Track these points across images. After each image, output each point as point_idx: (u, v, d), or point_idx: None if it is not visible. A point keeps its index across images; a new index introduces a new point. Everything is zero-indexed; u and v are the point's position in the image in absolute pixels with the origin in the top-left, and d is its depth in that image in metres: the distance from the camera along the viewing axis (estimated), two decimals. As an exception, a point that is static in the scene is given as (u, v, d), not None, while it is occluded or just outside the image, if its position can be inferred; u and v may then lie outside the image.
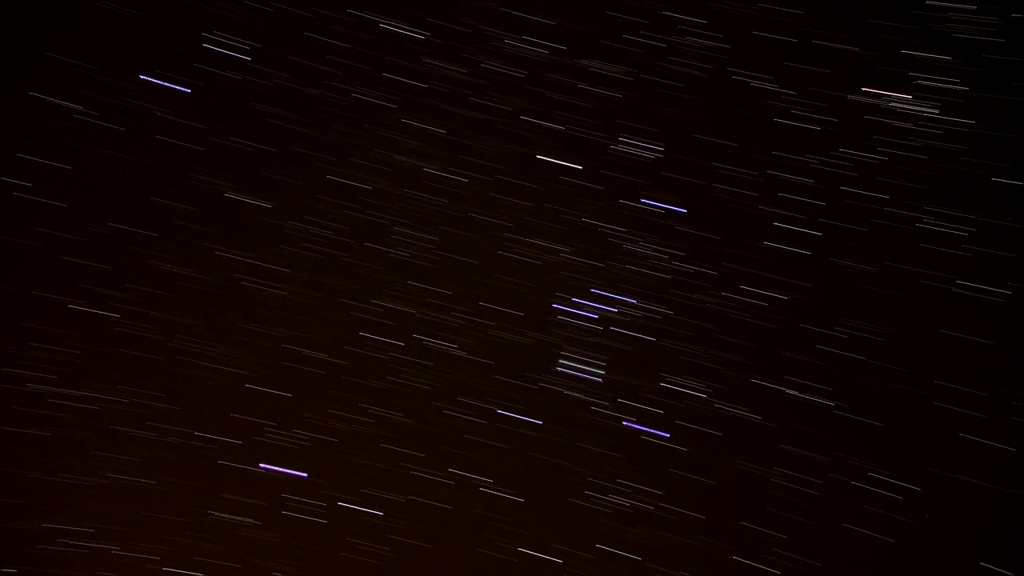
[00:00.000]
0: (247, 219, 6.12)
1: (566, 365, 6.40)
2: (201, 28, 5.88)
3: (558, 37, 6.15)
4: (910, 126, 5.98)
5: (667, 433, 6.38)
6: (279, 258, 6.20)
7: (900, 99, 5.96)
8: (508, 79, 6.19)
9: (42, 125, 5.79)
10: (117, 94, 5.83)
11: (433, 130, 6.21)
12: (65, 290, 5.95)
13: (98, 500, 6.13)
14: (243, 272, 6.17)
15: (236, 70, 5.97)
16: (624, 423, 6.39)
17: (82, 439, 6.08)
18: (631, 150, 6.22)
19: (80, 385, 6.04)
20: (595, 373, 6.39)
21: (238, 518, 6.34)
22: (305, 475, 6.38)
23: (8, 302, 5.87)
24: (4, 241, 5.82)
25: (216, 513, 6.32)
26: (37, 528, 6.07)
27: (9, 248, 5.82)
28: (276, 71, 6.01)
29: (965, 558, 6.02)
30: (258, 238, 6.16)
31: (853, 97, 6.00)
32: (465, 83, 6.18)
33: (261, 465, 6.35)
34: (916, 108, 5.95)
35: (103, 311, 6.02)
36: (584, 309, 6.34)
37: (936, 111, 5.94)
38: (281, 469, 6.37)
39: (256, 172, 6.08)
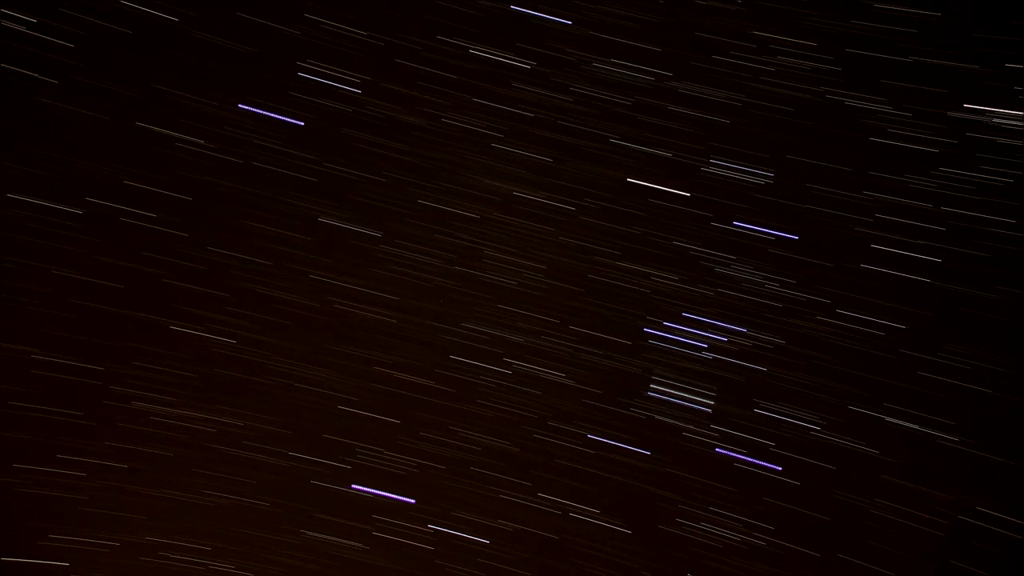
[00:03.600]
0: (340, 243, 6.24)
1: (663, 392, 6.31)
2: (296, 57, 6.05)
3: (648, 59, 6.11)
4: (1017, 143, 5.74)
5: (774, 465, 6.23)
6: (371, 282, 6.30)
7: (1005, 115, 5.71)
8: (599, 102, 6.18)
9: (151, 154, 6.03)
10: (218, 122, 6.03)
11: (523, 154, 6.23)
12: (166, 312, 6.17)
13: (195, 516, 6.31)
14: (336, 295, 6.29)
15: (329, 97, 6.11)
16: (718, 450, 6.27)
17: (182, 457, 6.27)
18: (731, 174, 6.13)
19: (181, 405, 6.24)
20: (697, 401, 6.29)
21: (331, 538, 6.43)
22: (397, 496, 6.44)
23: (113, 323, 6.12)
24: (111, 264, 6.06)
25: (309, 532, 6.42)
26: (140, 540, 6.27)
27: (112, 270, 6.07)
28: (367, 97, 6.13)
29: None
30: (350, 262, 6.27)
31: (954, 114, 5.79)
32: (555, 107, 6.19)
33: (354, 486, 6.43)
34: (1023, 125, 5.70)
35: (202, 332, 6.21)
36: (687, 336, 6.25)
37: (1045, 127, 5.70)
38: (373, 490, 6.44)
39: (348, 197, 6.21)
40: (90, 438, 6.16)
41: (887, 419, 6.07)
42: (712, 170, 6.13)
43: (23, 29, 5.73)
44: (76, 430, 6.14)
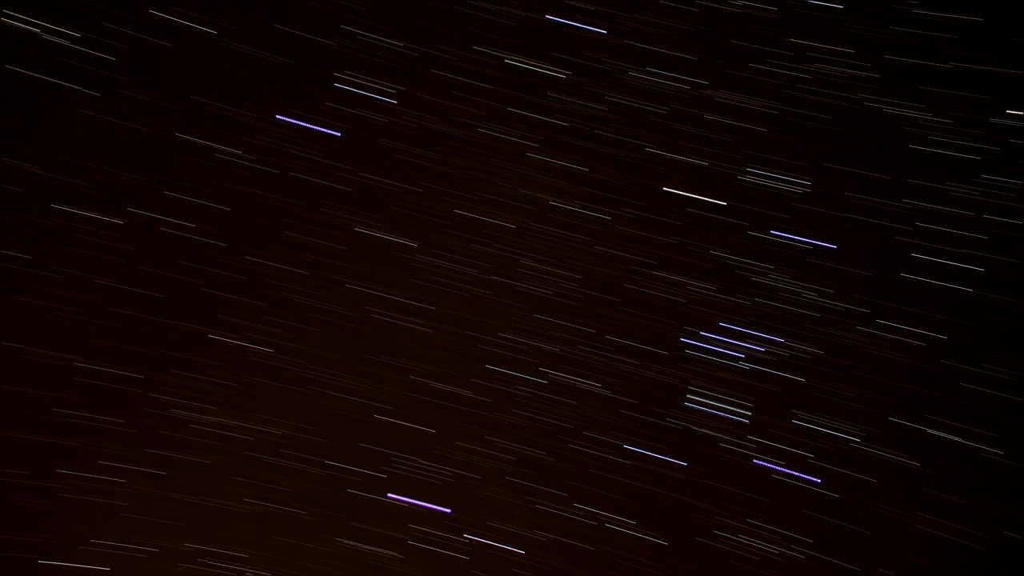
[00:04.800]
0: (376, 253, 6.28)
1: (700, 402, 6.26)
2: (333, 68, 6.10)
3: (683, 68, 6.09)
4: (1062, 150, 5.64)
5: (813, 477, 6.16)
6: (407, 291, 6.32)
7: (1049, 121, 5.62)
8: (634, 111, 6.16)
9: (190, 165, 6.12)
10: (255, 133, 6.10)
11: (559, 164, 6.23)
12: (205, 321, 6.24)
13: (232, 523, 6.36)
14: (372, 305, 6.32)
15: (366, 108, 6.16)
16: (756, 461, 6.21)
17: (220, 464, 6.33)
18: (768, 183, 6.08)
19: (219, 413, 6.30)
20: (735, 412, 6.23)
21: (367, 547, 6.45)
22: (432, 506, 6.45)
23: (153, 332, 6.20)
24: (151, 273, 6.16)
25: (345, 541, 6.45)
26: (178, 547, 6.34)
27: (152, 279, 6.15)
28: (402, 108, 6.17)
29: None
30: (387, 271, 6.31)
31: (996, 120, 5.70)
32: (590, 116, 6.19)
33: (389, 495, 6.45)
34: (1067, 131, 5.60)
35: (240, 341, 6.28)
36: (724, 346, 6.20)
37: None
38: (409, 499, 6.45)
39: (385, 207, 6.24)
40: (130, 445, 6.24)
41: (929, 431, 5.97)
42: (748, 179, 6.09)
43: (67, 43, 5.85)
44: (117, 437, 6.22)
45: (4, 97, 5.83)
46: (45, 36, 5.83)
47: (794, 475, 6.16)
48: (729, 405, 6.22)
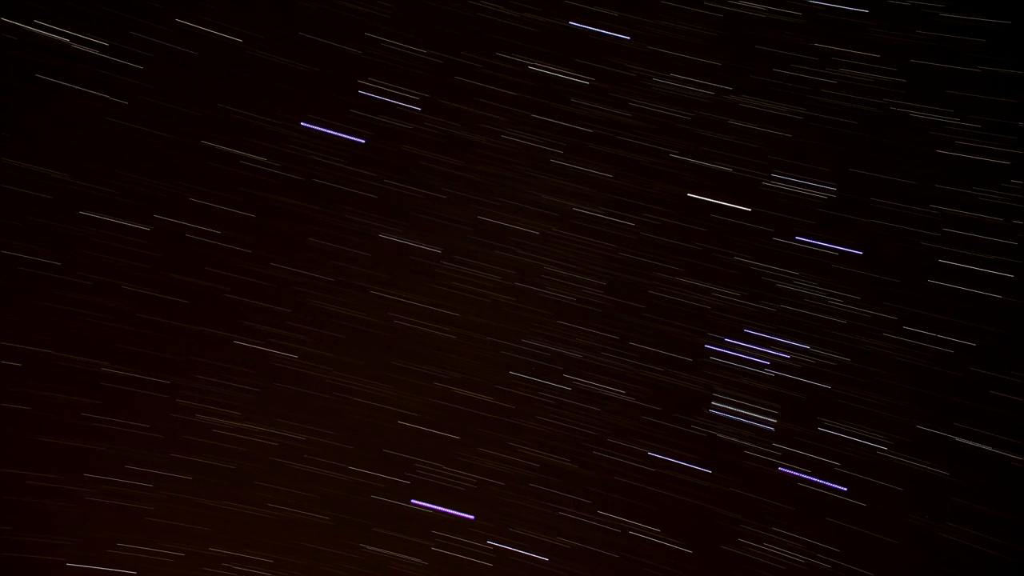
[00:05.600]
0: (400, 259, 6.30)
1: (725, 409, 6.22)
2: (357, 76, 6.13)
3: (708, 73, 6.06)
4: (1092, 154, 5.56)
5: (839, 485, 6.10)
6: (431, 297, 6.34)
7: (1078, 126, 5.55)
8: (658, 117, 6.14)
9: (215, 172, 6.16)
10: (280, 140, 6.14)
11: (583, 170, 6.23)
12: (230, 327, 6.28)
13: (257, 529, 6.39)
14: (396, 311, 6.34)
15: (390, 115, 6.19)
16: (781, 469, 6.16)
17: (244, 470, 6.36)
18: (793, 188, 6.04)
19: (244, 418, 6.34)
20: (760, 419, 6.19)
21: (391, 553, 6.46)
22: (456, 512, 6.45)
23: (179, 338, 6.25)
24: (177, 279, 6.21)
25: (369, 547, 6.46)
26: (203, 551, 6.38)
27: (178, 285, 6.21)
28: (426, 114, 6.19)
29: None
30: (411, 278, 6.32)
31: (1025, 125, 5.64)
32: (615, 122, 6.18)
33: (413, 501, 6.45)
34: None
35: (265, 347, 6.31)
36: (749, 353, 6.16)
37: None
38: (433, 506, 6.45)
39: (409, 213, 6.26)
40: (156, 450, 6.29)
41: (957, 439, 5.90)
42: (773, 184, 6.05)
43: (95, 52, 5.92)
44: (143, 441, 6.28)
45: (34, 106, 5.91)
46: (74, 45, 5.91)
47: (820, 483, 6.11)
48: (754, 412, 6.18)
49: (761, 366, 6.14)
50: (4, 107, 5.89)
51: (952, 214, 5.81)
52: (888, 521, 6.02)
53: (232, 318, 6.25)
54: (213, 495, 6.36)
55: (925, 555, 5.95)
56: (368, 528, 6.47)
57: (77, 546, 6.29)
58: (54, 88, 5.91)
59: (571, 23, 6.10)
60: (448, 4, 6.09)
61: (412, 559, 6.47)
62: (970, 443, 5.87)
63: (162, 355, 6.23)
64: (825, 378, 6.04)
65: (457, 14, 6.10)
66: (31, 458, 6.22)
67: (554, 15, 6.09)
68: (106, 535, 6.31)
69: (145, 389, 6.24)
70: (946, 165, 5.78)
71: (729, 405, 6.22)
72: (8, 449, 6.19)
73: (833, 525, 6.09)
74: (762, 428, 6.17)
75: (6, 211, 5.94)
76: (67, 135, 5.96)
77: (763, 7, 5.90)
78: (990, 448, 5.83)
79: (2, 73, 5.86)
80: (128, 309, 6.16)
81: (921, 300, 5.92)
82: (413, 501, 6.45)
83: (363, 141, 6.19)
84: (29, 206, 5.96)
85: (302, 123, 6.14)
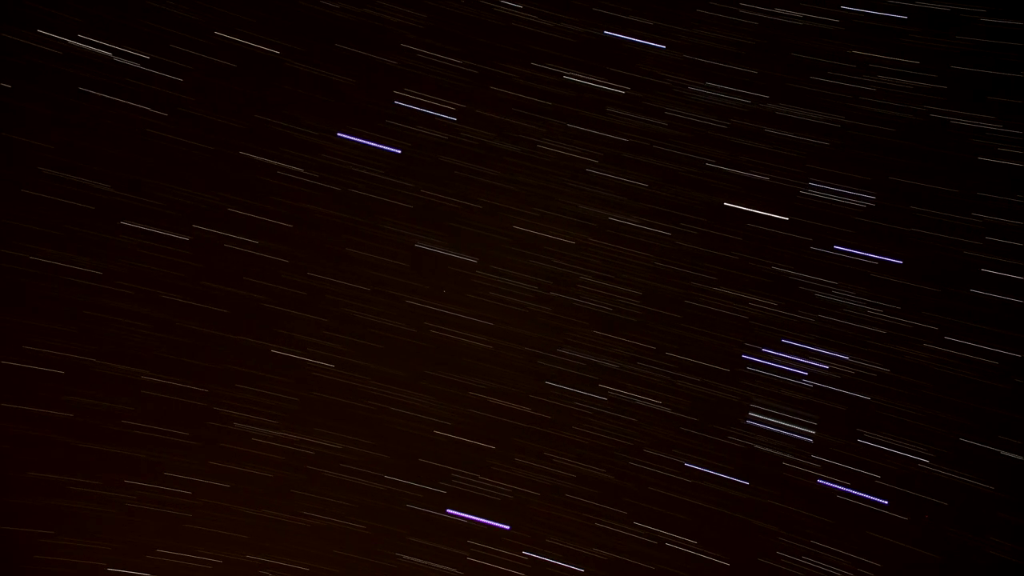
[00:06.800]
0: (436, 269, 6.32)
1: (763, 420, 6.16)
2: (393, 86, 6.18)
3: (744, 82, 6.02)
4: None
5: (880, 498, 6.00)
6: (467, 307, 6.35)
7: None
8: (694, 126, 6.11)
9: (254, 183, 6.23)
10: (318, 151, 6.20)
11: (619, 179, 6.21)
12: (268, 336, 6.34)
13: (293, 537, 6.43)
14: (432, 321, 6.36)
15: (426, 125, 6.22)
16: (820, 481, 6.07)
17: (281, 478, 6.41)
18: (831, 197, 5.97)
19: (281, 427, 6.39)
20: (799, 431, 6.11)
21: (426, 562, 6.47)
22: (491, 522, 6.44)
23: (218, 346, 6.32)
24: (216, 288, 6.28)
25: (404, 556, 6.47)
26: (240, 558, 6.44)
27: (217, 295, 6.28)
28: (462, 124, 6.21)
29: None
30: (447, 287, 6.34)
31: (1069, 131, 5.53)
32: (651, 131, 6.15)
33: (449, 511, 6.46)
34: None
35: (302, 356, 6.36)
36: (787, 363, 6.09)
37: None
38: (468, 515, 6.45)
39: (445, 223, 6.28)
40: (194, 457, 6.37)
41: (1002, 452, 5.78)
42: (811, 193, 5.99)
43: (137, 65, 6.03)
44: (182, 449, 6.36)
45: (77, 119, 6.03)
46: (116, 59, 6.02)
47: (860, 496, 6.01)
48: (792, 424, 6.11)
49: (799, 377, 6.07)
50: (48, 120, 6.01)
51: (994, 222, 5.70)
52: (930, 536, 5.91)
53: (270, 327, 6.31)
54: (250, 503, 6.42)
55: (968, 571, 5.83)
56: (403, 537, 6.48)
57: (117, 551, 6.37)
58: (96, 101, 6.02)
59: (606, 32, 6.10)
60: (483, 14, 6.11)
61: (447, 569, 6.47)
62: (1016, 456, 5.75)
63: (201, 364, 6.31)
64: (864, 389, 5.95)
65: (492, 24, 6.12)
66: (74, 464, 6.32)
67: (589, 25, 6.09)
68: (146, 541, 6.39)
69: (184, 397, 6.33)
70: (988, 172, 5.68)
71: (767, 416, 6.15)
72: (52, 455, 6.30)
73: (873, 539, 5.99)
74: (800, 439, 6.09)
75: (49, 222, 6.06)
76: (109, 147, 6.07)
77: (799, 15, 5.85)
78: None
79: (47, 87, 5.99)
80: (167, 318, 6.24)
81: (963, 310, 5.81)
82: (449, 511, 6.46)
83: (399, 151, 6.23)
84: (71, 216, 6.08)
85: (339, 134, 6.20)
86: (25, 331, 6.15)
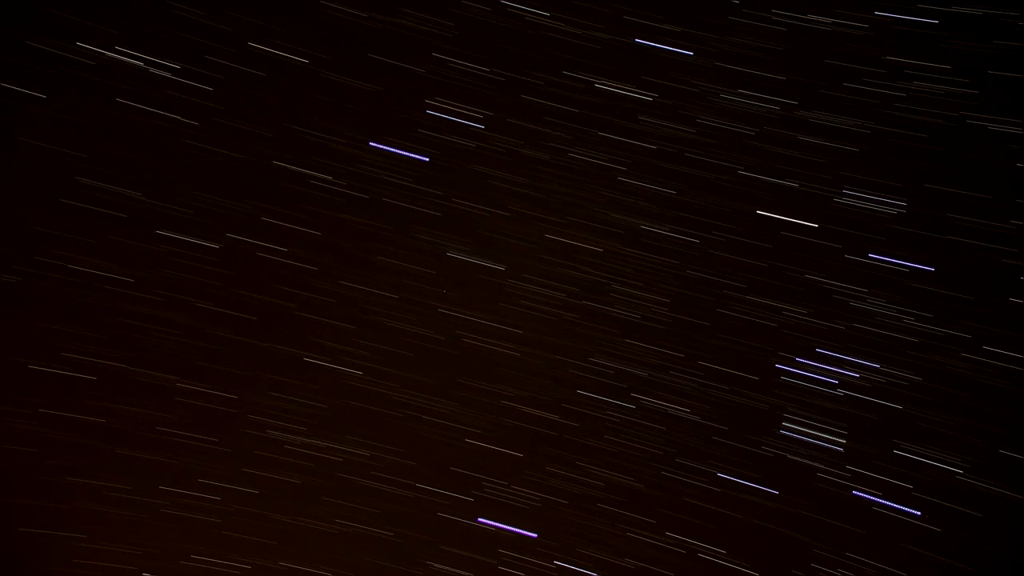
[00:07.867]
0: (467, 277, 6.33)
1: (795, 429, 6.10)
2: (423, 95, 6.20)
3: (774, 89, 5.98)
4: None
5: (914, 510, 5.92)
6: (497, 315, 6.35)
7: None
8: (725, 134, 6.07)
9: (285, 191, 6.28)
10: (348, 160, 6.23)
11: (649, 187, 6.18)
12: (299, 343, 6.38)
13: (324, 544, 6.46)
14: (463, 329, 6.36)
15: (456, 134, 6.23)
16: (854, 492, 6.00)
17: (312, 485, 6.44)
18: (864, 204, 5.90)
19: (312, 434, 6.42)
20: (831, 440, 6.05)
21: (457, 571, 6.46)
22: (522, 531, 6.42)
23: (250, 354, 6.37)
24: (248, 296, 6.33)
25: (435, 564, 6.47)
26: (272, 565, 6.47)
27: (248, 303, 6.34)
28: (492, 133, 6.21)
29: None
30: (477, 296, 6.34)
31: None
32: (682, 139, 6.12)
33: (479, 519, 6.45)
34: None
35: (333, 364, 6.40)
36: (820, 372, 6.03)
37: None
38: (499, 525, 6.44)
39: (475, 232, 6.29)
40: (226, 464, 6.41)
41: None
42: (844, 200, 5.93)
43: (169, 75, 6.10)
44: (214, 455, 6.41)
45: (112, 129, 6.11)
46: (151, 70, 6.10)
47: (894, 507, 5.93)
48: (825, 433, 6.04)
49: (832, 386, 6.00)
50: (84, 130, 6.10)
51: (1030, 229, 5.62)
52: (966, 548, 5.81)
53: (301, 335, 6.35)
54: (281, 510, 6.45)
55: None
56: (434, 545, 6.48)
57: (149, 556, 6.43)
58: (131, 111, 6.10)
59: (636, 40, 6.08)
60: (512, 23, 6.12)
61: (477, 577, 6.48)
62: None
63: (233, 371, 6.36)
64: (897, 398, 5.87)
65: (522, 32, 6.12)
66: (108, 469, 6.39)
67: (619, 32, 6.07)
68: (178, 546, 6.44)
69: (216, 404, 6.38)
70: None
71: (800, 426, 6.09)
72: (86, 460, 6.38)
73: (907, 550, 5.91)
74: (833, 449, 6.02)
75: (84, 230, 6.15)
76: (142, 156, 6.15)
77: (829, 21, 5.80)
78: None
79: (83, 98, 6.08)
80: (199, 326, 6.30)
81: (1001, 318, 5.72)
82: (479, 519, 6.45)
83: (428, 160, 6.25)
84: (106, 225, 6.16)
85: (370, 143, 6.23)
86: (60, 338, 6.24)
